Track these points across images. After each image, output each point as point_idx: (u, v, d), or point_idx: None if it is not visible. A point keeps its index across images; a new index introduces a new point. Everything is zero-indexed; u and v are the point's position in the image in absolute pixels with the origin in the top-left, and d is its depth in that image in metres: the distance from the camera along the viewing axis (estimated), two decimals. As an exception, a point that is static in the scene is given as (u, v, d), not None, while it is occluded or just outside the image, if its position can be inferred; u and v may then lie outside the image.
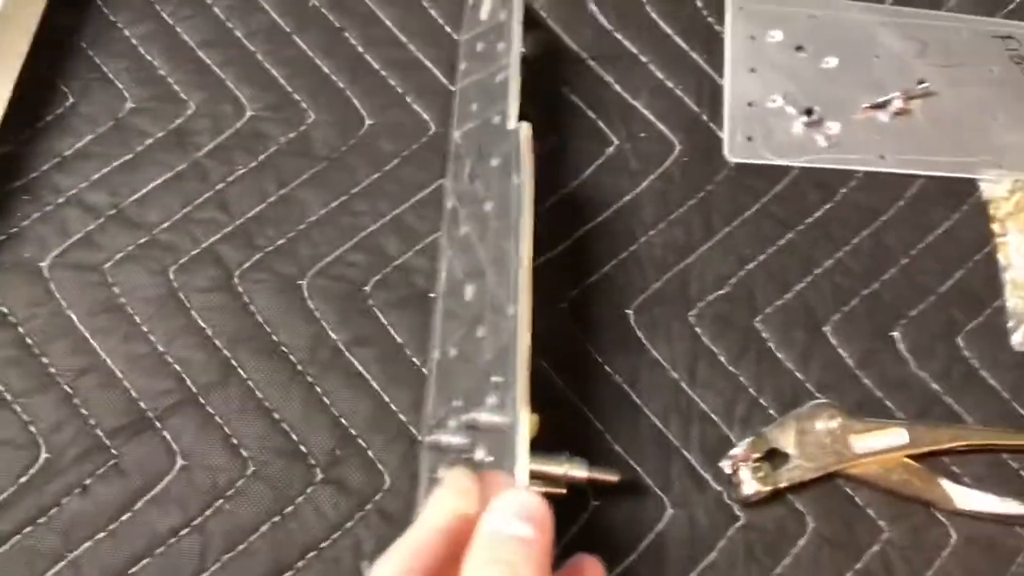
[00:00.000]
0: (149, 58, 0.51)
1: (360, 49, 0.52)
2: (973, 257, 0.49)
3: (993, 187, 0.49)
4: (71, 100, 0.50)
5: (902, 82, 0.51)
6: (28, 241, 0.47)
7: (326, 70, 0.51)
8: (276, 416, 0.45)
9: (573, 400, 0.45)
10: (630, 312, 0.47)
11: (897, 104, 0.51)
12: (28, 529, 0.42)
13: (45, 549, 0.42)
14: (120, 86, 0.51)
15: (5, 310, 0.46)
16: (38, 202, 0.48)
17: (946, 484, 0.44)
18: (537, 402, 0.45)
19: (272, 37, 0.52)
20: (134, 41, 0.52)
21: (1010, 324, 0.47)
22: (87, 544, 0.42)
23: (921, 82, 0.51)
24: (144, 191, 0.49)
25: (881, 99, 0.51)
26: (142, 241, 0.48)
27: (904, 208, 0.50)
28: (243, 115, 0.50)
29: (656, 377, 0.46)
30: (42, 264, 0.47)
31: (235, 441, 0.44)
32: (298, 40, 0.52)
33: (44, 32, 0.50)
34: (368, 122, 0.50)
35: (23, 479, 0.43)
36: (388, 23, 0.52)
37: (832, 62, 0.52)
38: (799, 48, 0.52)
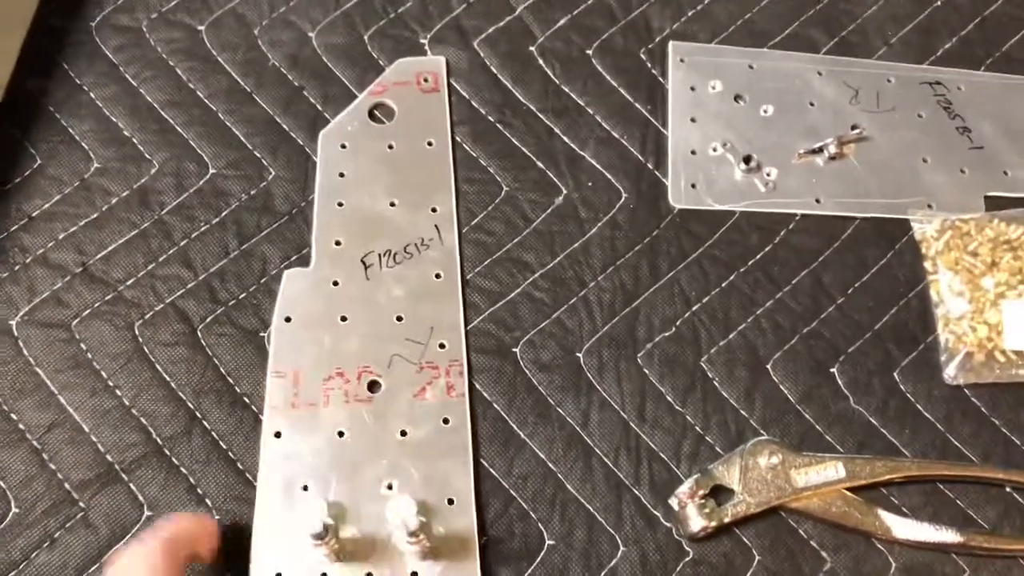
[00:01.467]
0: (114, 119, 0.53)
1: (319, 106, 0.54)
2: (907, 295, 0.51)
3: (924, 227, 0.52)
4: (39, 162, 0.52)
5: (836, 128, 0.54)
6: (-3, 301, 0.49)
7: (285, 127, 0.53)
8: (239, 466, 0.46)
9: (526, 441, 0.47)
10: (580, 355, 0.49)
11: (832, 149, 0.53)
12: (-2, 583, 0.44)
13: (15, 602, 0.43)
14: (86, 147, 0.52)
15: (-26, 369, 0.47)
16: (6, 262, 0.50)
17: (884, 514, 0.46)
18: (494, 444, 0.47)
19: (232, 96, 0.54)
20: (99, 103, 0.53)
21: (943, 358, 0.49)
22: (56, 596, 0.43)
23: (854, 127, 0.54)
24: (109, 249, 0.50)
25: (816, 144, 0.53)
26: (108, 298, 0.49)
27: (840, 249, 0.52)
28: (205, 173, 0.52)
29: (607, 418, 0.48)
30: (11, 323, 0.48)
31: (200, 491, 0.46)
32: (258, 99, 0.54)
33: (12, 96, 0.52)
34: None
35: (-7, 534, 0.44)
36: (345, 81, 0.54)
37: (769, 110, 0.54)
38: (738, 97, 0.55)
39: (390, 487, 0.45)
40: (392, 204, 0.51)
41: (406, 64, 0.55)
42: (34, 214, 0.51)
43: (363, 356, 0.47)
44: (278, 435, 0.46)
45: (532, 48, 0.56)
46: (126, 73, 0.54)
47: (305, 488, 0.45)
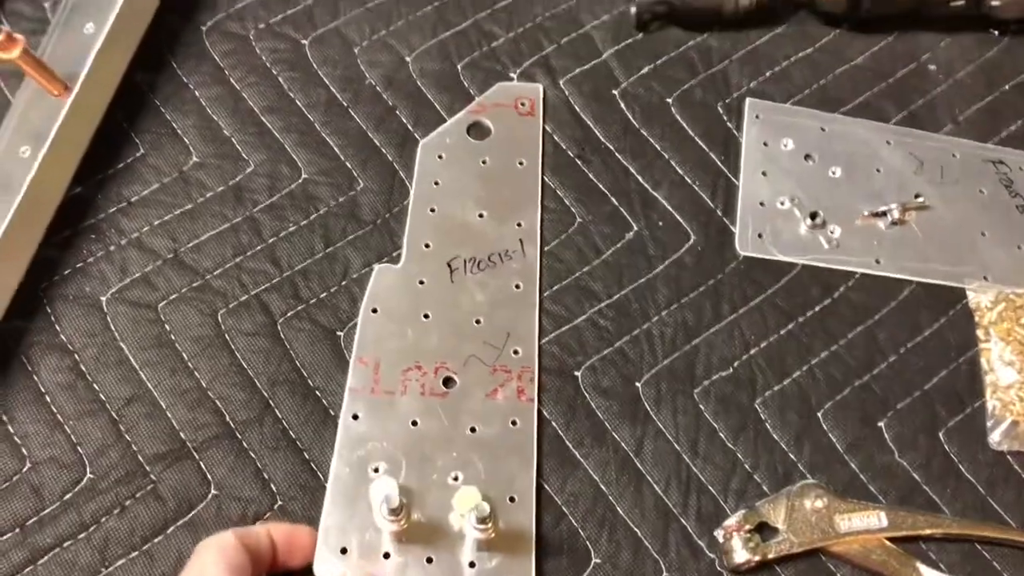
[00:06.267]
0: (216, 119, 0.56)
1: (409, 126, 0.57)
2: (958, 359, 0.53)
3: (979, 296, 0.54)
4: (141, 151, 0.55)
5: (900, 194, 0.56)
6: (91, 277, 0.51)
7: (377, 143, 0.56)
8: (306, 455, 0.48)
9: (580, 461, 0.49)
10: (639, 385, 0.51)
11: (895, 214, 0.55)
12: (68, 543, 0.45)
13: (82, 563, 0.45)
14: (187, 141, 0.55)
15: (64, 338, 0.50)
16: (103, 242, 0.52)
17: (922, 568, 0.47)
18: (550, 461, 0.49)
19: (330, 109, 0.57)
20: (203, 102, 0.56)
21: (989, 424, 0.51)
22: (121, 561, 0.45)
23: (917, 196, 0.56)
24: (201, 239, 0.53)
25: (880, 208, 0.55)
26: (195, 285, 0.52)
27: (896, 309, 0.54)
28: (298, 177, 0.55)
29: (660, 447, 0.49)
30: (102, 298, 0.51)
31: (266, 476, 0.48)
32: (353, 113, 0.57)
33: (124, 87, 0.55)
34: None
35: (67, 496, 0.46)
36: (436, 105, 0.57)
37: (837, 171, 0.57)
38: (808, 157, 0.57)
39: (456, 479, 0.47)
40: (480, 215, 0.54)
41: (506, 88, 0.58)
42: (133, 199, 0.54)
43: (441, 353, 0.50)
44: (355, 417, 0.48)
45: (615, 91, 0.59)
46: (231, 76, 0.57)
47: (376, 470, 0.47)
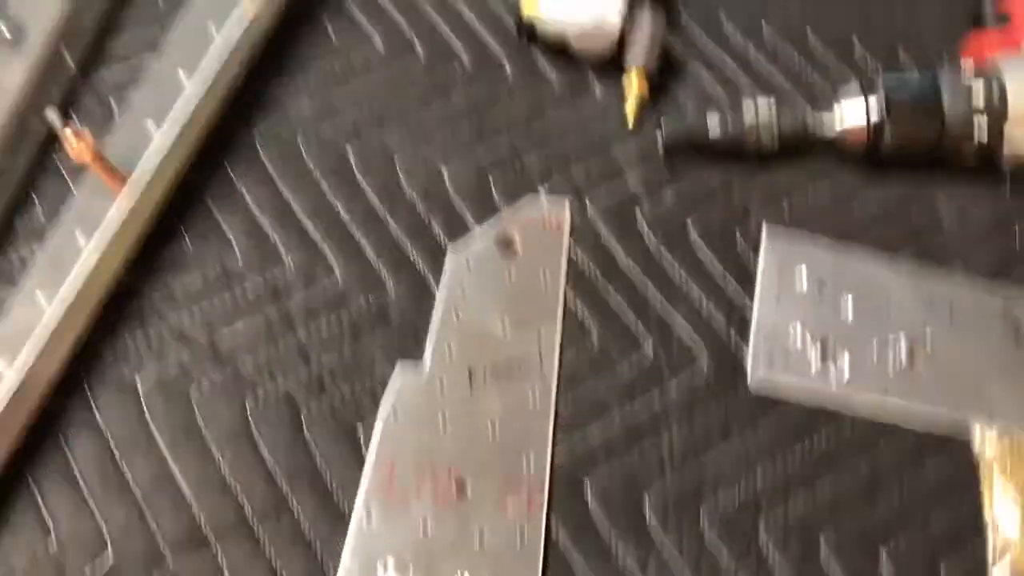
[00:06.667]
0: (261, 219, 0.60)
1: (441, 235, 0.60)
2: (960, 498, 0.54)
3: (983, 439, 0.55)
4: (190, 246, 0.58)
5: (909, 333, 0.58)
6: (130, 361, 0.54)
7: (409, 249, 0.59)
8: (318, 554, 0.50)
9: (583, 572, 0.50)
10: (646, 504, 0.52)
11: (903, 353, 0.57)
12: (84, 623, 0.47)
13: (95, 644, 0.47)
14: (231, 238, 0.59)
15: (100, 421, 0.52)
16: (143, 327, 0.55)
17: None
18: (556, 574, 0.50)
19: (368, 217, 0.60)
20: (250, 203, 0.60)
21: (989, 560, 0.52)
22: (133, 645, 0.47)
23: (926, 336, 0.58)
24: (237, 332, 0.56)
25: (889, 346, 0.57)
26: (227, 374, 0.54)
27: (901, 447, 0.55)
28: (334, 279, 0.58)
29: (664, 567, 0.50)
30: (138, 384, 0.54)
31: (277, 569, 0.49)
32: (391, 222, 0.60)
33: (178, 184, 0.59)
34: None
35: None
36: (468, 217, 0.61)
37: (849, 306, 0.59)
38: (821, 289, 0.59)
39: None
40: (502, 324, 0.56)
41: (534, 201, 0.61)
42: (177, 291, 0.57)
43: (456, 458, 0.52)
44: (368, 515, 0.50)
45: (637, 211, 0.62)
46: (278, 181, 0.61)
47: (384, 569, 0.48)
